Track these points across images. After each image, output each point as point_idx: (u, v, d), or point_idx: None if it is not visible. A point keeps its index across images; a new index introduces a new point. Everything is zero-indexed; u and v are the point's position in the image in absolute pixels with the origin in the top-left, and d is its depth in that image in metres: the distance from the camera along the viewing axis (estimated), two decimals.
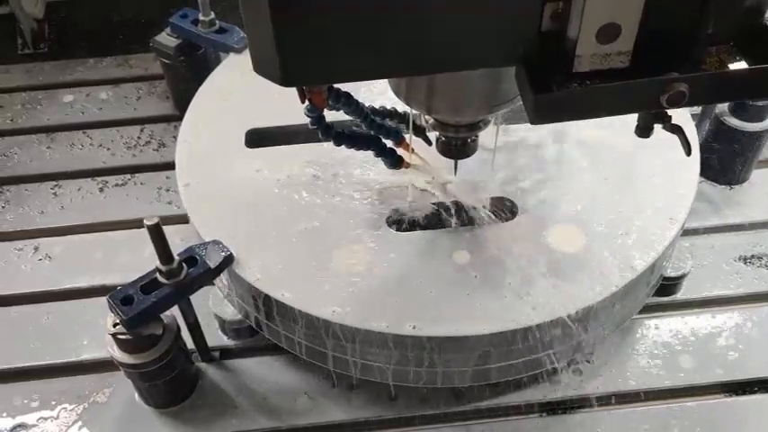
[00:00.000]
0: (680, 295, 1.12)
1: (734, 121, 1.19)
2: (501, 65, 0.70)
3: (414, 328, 0.91)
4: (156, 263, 0.90)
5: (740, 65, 0.67)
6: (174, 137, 1.16)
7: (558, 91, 0.66)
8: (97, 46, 1.60)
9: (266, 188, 1.07)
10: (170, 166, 1.13)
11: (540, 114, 0.68)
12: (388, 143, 0.99)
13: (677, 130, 0.78)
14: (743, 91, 0.72)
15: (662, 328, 1.09)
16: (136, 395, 1.03)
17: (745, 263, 1.16)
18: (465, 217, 1.04)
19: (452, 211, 1.04)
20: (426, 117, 0.94)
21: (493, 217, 1.04)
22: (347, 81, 0.85)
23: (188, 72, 1.35)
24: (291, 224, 1.02)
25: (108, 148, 1.38)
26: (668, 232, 0.99)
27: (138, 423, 1.01)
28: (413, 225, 1.05)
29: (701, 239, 1.19)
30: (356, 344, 0.94)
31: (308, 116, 0.87)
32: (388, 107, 1.01)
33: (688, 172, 1.05)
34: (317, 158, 1.10)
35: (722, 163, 1.24)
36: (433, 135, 0.98)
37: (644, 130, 0.78)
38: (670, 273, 1.09)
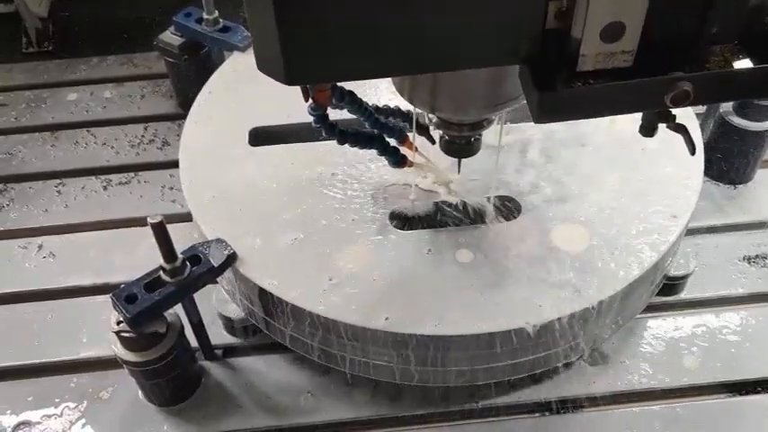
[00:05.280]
0: (683, 295, 1.12)
1: (738, 121, 1.19)
2: (504, 63, 0.70)
3: (416, 327, 0.91)
4: (160, 261, 0.90)
5: (745, 64, 0.67)
6: (178, 135, 1.16)
7: (563, 90, 0.66)
8: (101, 44, 1.61)
9: (269, 186, 1.07)
10: (174, 164, 1.13)
11: (544, 113, 0.68)
12: (392, 142, 0.99)
13: (681, 129, 0.77)
14: (747, 90, 0.72)
15: (665, 328, 1.08)
16: (139, 393, 1.03)
17: (749, 263, 1.16)
18: (468, 216, 1.04)
19: (456, 210, 1.04)
20: (430, 115, 0.94)
21: (497, 216, 1.04)
22: (350, 80, 0.84)
23: (192, 71, 1.35)
24: (294, 222, 1.02)
25: (112, 147, 1.38)
26: (672, 232, 0.99)
27: (142, 421, 1.01)
28: (416, 224, 1.05)
29: (704, 239, 1.19)
30: (359, 342, 0.94)
31: (311, 115, 0.87)
32: (392, 105, 1.01)
33: (692, 171, 1.05)
34: (321, 157, 1.10)
35: (726, 162, 1.24)
36: (436, 133, 0.98)
37: (648, 130, 0.78)
38: (674, 272, 1.08)
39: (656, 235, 0.99)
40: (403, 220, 1.05)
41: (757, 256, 1.16)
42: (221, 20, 1.30)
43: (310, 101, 0.84)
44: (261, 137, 1.16)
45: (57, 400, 1.04)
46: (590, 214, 1.01)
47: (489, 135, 0.97)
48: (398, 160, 0.99)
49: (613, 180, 1.05)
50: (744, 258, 1.16)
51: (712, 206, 1.23)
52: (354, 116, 0.94)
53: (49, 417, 1.02)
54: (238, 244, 0.97)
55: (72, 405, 1.03)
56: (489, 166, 1.04)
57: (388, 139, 0.97)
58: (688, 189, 1.03)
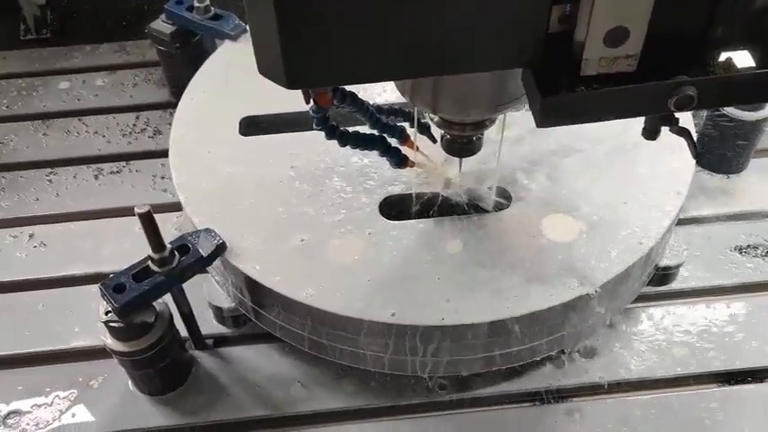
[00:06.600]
0: (675, 285, 1.11)
1: (732, 110, 1.18)
2: (507, 67, 0.69)
3: (407, 317, 0.91)
4: (149, 251, 0.90)
5: (749, 68, 0.66)
6: (170, 124, 1.16)
7: (566, 95, 0.65)
8: (100, 32, 1.59)
9: (260, 176, 1.06)
10: (165, 153, 1.12)
11: (547, 117, 0.67)
12: (393, 142, 0.98)
13: (684, 133, 0.77)
14: (752, 95, 0.71)
15: (656, 318, 1.08)
16: (129, 382, 1.03)
17: (741, 253, 1.15)
18: (462, 206, 1.03)
19: (450, 200, 1.04)
20: (431, 115, 0.93)
21: (490, 206, 1.04)
22: (352, 83, 0.84)
23: (184, 59, 1.34)
24: (285, 212, 1.02)
25: (103, 136, 1.37)
26: (663, 221, 0.99)
27: (132, 410, 1.01)
28: (408, 214, 1.05)
29: (696, 229, 1.18)
30: (349, 333, 0.94)
31: (312, 116, 0.87)
32: (393, 105, 1.00)
33: (684, 161, 1.04)
34: (312, 146, 1.09)
35: (719, 152, 1.23)
36: (437, 131, 0.97)
37: (651, 133, 0.78)
38: (665, 262, 1.08)
39: (648, 224, 0.98)
40: (395, 210, 1.05)
41: (749, 246, 1.16)
42: (212, 8, 1.29)
43: (311, 103, 0.83)
44: (252, 126, 1.15)
45: (47, 390, 1.04)
46: (580, 204, 1.01)
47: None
48: (400, 161, 0.98)
49: (604, 169, 1.05)
50: (735, 248, 1.16)
51: (704, 196, 1.22)
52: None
53: (39, 406, 1.02)
54: (228, 234, 0.97)
55: (62, 394, 1.03)
56: (486, 156, 1.03)
57: (389, 140, 0.97)
58: (680, 179, 1.03)
